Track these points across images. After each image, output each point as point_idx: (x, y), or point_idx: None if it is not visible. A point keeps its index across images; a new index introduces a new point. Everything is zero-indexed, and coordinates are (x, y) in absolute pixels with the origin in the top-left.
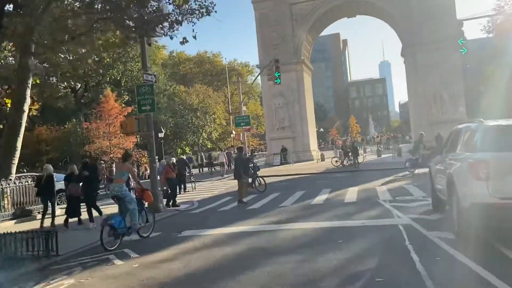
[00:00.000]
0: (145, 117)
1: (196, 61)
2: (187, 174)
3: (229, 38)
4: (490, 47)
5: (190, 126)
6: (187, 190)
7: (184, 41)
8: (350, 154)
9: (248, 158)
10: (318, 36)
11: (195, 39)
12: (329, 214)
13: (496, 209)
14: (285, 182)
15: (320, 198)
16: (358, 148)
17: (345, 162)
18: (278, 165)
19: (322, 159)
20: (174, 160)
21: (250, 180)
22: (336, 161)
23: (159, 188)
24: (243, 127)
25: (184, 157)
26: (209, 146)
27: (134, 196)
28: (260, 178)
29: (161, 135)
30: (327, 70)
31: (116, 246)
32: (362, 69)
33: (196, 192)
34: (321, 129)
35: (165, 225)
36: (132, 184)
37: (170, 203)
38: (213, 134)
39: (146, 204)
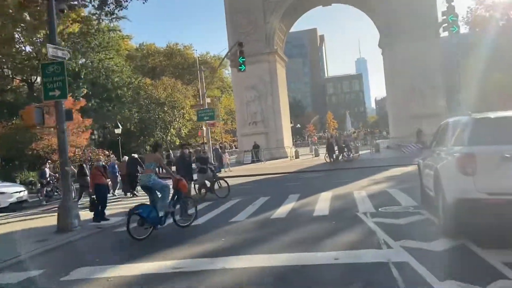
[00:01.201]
0: (57, 105)
1: (166, 54)
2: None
3: (202, 30)
4: (469, 40)
5: (157, 122)
6: (137, 194)
7: (110, 12)
8: (345, 149)
9: (204, 157)
10: (292, 25)
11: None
12: (290, 238)
13: (483, 205)
14: (250, 185)
15: (284, 209)
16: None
17: (340, 158)
18: (249, 163)
19: (297, 156)
20: (127, 158)
21: (208, 183)
22: (327, 157)
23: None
24: (207, 121)
25: (136, 156)
26: (177, 143)
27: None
28: (222, 181)
29: (118, 131)
30: (304, 66)
31: (145, 236)
32: (339, 66)
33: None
34: (298, 125)
35: (62, 254)
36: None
37: (100, 216)
38: (182, 131)
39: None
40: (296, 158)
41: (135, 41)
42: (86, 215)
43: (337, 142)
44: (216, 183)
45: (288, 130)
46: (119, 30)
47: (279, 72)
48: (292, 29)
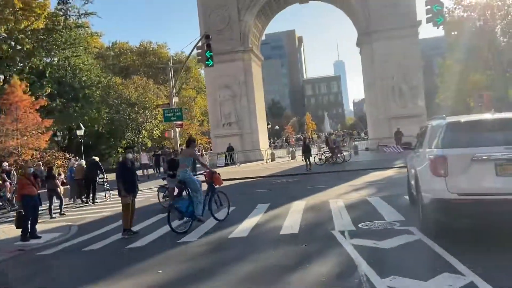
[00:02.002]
0: None
1: (140, 52)
2: (100, 180)
3: (178, 28)
4: (447, 41)
5: (128, 123)
6: (96, 201)
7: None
8: (336, 150)
9: (176, 161)
10: (268, 23)
11: None
12: (246, 269)
13: (454, 205)
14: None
15: (248, 224)
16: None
17: (331, 160)
18: (223, 166)
19: (273, 158)
20: (97, 159)
21: (176, 191)
22: (320, 159)
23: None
24: (174, 121)
25: (97, 159)
26: (149, 145)
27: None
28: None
29: (80, 132)
30: (283, 67)
31: (186, 230)
32: (318, 67)
33: (107, 203)
34: (276, 126)
35: None
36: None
37: (30, 233)
38: (154, 132)
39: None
40: (272, 161)
41: (109, 39)
42: (14, 232)
43: (328, 143)
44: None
45: (264, 132)
46: (87, 27)
47: (255, 71)
48: (271, 30)
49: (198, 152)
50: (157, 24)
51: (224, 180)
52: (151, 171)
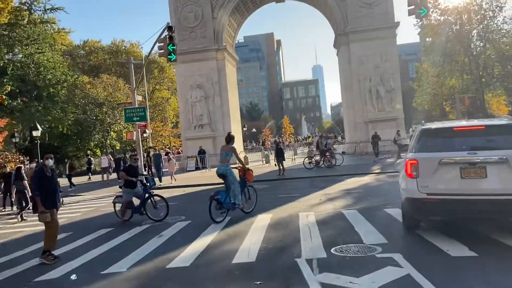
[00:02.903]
0: None
1: (111, 51)
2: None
3: (151, 27)
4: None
5: (96, 124)
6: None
7: None
8: (327, 153)
9: (133, 167)
10: (244, 22)
11: None
12: None
13: (422, 203)
14: (180, 200)
15: (197, 246)
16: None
17: (321, 164)
18: (193, 170)
19: (246, 162)
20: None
21: (137, 202)
22: (310, 163)
23: None
24: (137, 122)
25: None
26: (117, 148)
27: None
28: (157, 197)
29: (36, 133)
30: (261, 70)
31: (222, 219)
32: (296, 72)
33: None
34: (254, 129)
35: None
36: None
37: None
38: (124, 134)
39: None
40: (246, 165)
41: (80, 37)
42: None
43: (318, 146)
44: (150, 200)
45: (238, 134)
46: (54, 23)
47: (229, 71)
48: (249, 33)
49: (165, 156)
50: (129, 22)
51: (192, 185)
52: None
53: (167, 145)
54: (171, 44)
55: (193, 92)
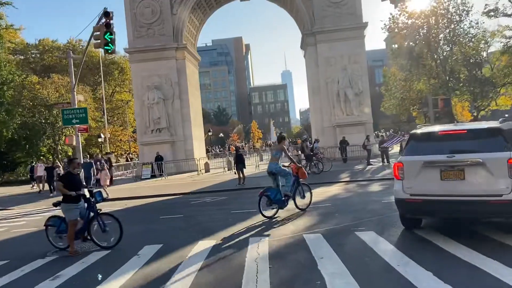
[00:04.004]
0: None
1: (67, 51)
2: None
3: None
4: (392, 48)
5: (46, 128)
6: None
7: None
8: (314, 158)
9: (74, 177)
10: (206, 20)
11: None
12: None
13: (406, 203)
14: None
15: None
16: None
17: (307, 170)
18: (148, 178)
19: (207, 169)
20: None
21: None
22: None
23: None
24: (77, 125)
25: None
26: (70, 153)
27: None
28: (105, 215)
29: None
30: (230, 74)
31: (272, 215)
32: (266, 77)
33: None
34: (221, 134)
35: None
36: None
37: None
38: None
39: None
40: (206, 172)
41: (36, 36)
42: None
43: (303, 150)
44: (97, 221)
45: (200, 139)
46: (1, 18)
47: (190, 72)
48: (217, 37)
49: (100, 163)
50: (87, 20)
51: (139, 197)
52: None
53: (127, 150)
54: (108, 33)
55: (150, 94)
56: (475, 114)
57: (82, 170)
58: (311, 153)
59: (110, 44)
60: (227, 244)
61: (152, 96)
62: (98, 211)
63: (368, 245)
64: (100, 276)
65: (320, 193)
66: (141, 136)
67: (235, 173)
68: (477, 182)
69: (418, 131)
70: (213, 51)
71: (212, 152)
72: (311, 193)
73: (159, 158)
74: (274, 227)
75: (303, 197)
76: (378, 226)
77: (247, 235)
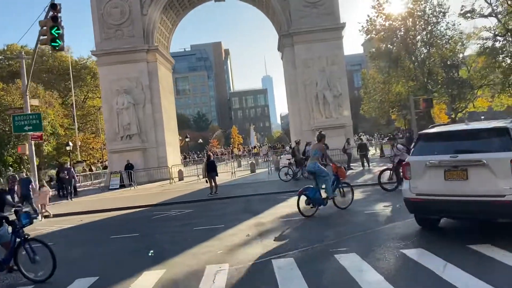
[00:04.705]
0: None
1: (37, 56)
2: None
3: (83, 27)
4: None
5: (10, 136)
6: None
7: None
8: (305, 163)
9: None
10: (179, 21)
11: None
12: None
13: (412, 203)
14: (62, 236)
15: None
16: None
17: (299, 175)
18: (117, 188)
19: (181, 177)
20: None
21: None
22: (286, 174)
23: None
24: (30, 132)
25: None
26: (37, 163)
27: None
28: (35, 243)
29: None
30: (209, 79)
31: (311, 214)
32: (246, 83)
33: None
34: (200, 140)
35: None
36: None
37: None
38: (44, 147)
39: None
40: (180, 180)
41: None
42: None
43: (294, 154)
44: (24, 247)
45: (175, 146)
46: None
47: (163, 75)
48: (196, 42)
49: (66, 173)
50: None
51: (93, 212)
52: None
53: (100, 158)
54: (55, 28)
55: (120, 98)
56: (452, 116)
57: (17, 186)
58: (303, 157)
59: (57, 40)
60: (178, 275)
61: (121, 101)
62: (26, 236)
63: (350, 274)
64: None
65: (295, 203)
66: (110, 143)
67: (206, 181)
68: (480, 182)
69: (426, 131)
70: (192, 56)
71: (189, 158)
72: (352, 192)
73: (129, 167)
74: (238, 249)
75: (343, 195)
76: (362, 245)
77: (205, 258)
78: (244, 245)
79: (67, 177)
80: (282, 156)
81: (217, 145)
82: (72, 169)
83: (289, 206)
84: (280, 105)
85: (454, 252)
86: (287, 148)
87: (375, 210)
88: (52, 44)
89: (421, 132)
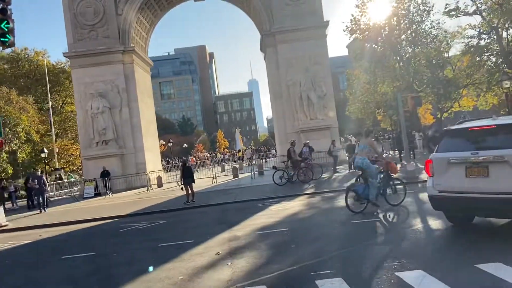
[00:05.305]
0: None
1: (12, 60)
2: None
3: (58, 29)
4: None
5: None
6: None
7: None
8: (303, 165)
9: None
10: (158, 21)
11: None
12: None
13: (436, 200)
14: (19, 251)
15: None
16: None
17: (294, 178)
18: (91, 197)
19: (160, 184)
20: None
21: None
22: (281, 177)
23: None
24: None
25: None
26: (10, 172)
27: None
28: None
29: None
30: (194, 83)
31: (361, 210)
32: (232, 86)
33: None
34: (185, 144)
35: None
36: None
37: None
38: (19, 155)
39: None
40: (159, 187)
41: None
42: None
43: (290, 156)
44: None
45: (154, 151)
46: None
47: (140, 77)
48: (180, 45)
49: (36, 181)
50: (31, 27)
51: (57, 225)
52: None
53: (80, 166)
54: (4, 22)
55: (95, 102)
56: (438, 115)
57: None
58: (299, 159)
59: (7, 35)
60: None
61: (96, 105)
62: None
63: None
64: None
65: (277, 212)
66: (85, 149)
67: (182, 189)
68: (502, 179)
69: (451, 127)
70: (176, 60)
71: (172, 164)
72: (405, 188)
73: (105, 174)
74: (204, 273)
75: (395, 192)
76: (348, 267)
77: (162, 286)
78: (211, 267)
79: (37, 186)
80: (268, 159)
81: (202, 149)
82: (44, 178)
83: (269, 215)
84: (267, 109)
85: (460, 272)
86: (273, 151)
87: (363, 220)
88: (1, 39)
89: (446, 128)
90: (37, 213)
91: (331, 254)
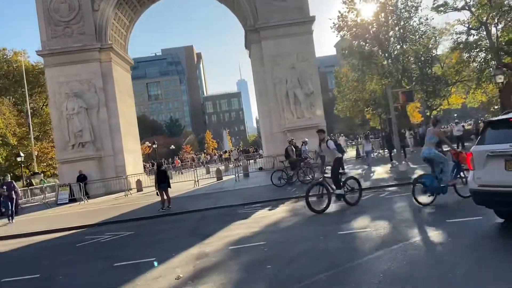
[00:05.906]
0: None
1: None
2: None
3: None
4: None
5: None
6: None
7: None
8: (303, 164)
9: None
10: (137, 18)
11: None
12: None
13: (476, 194)
14: None
15: None
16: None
17: (294, 179)
18: (66, 203)
19: (139, 188)
20: None
21: None
22: (280, 178)
23: None
24: None
25: None
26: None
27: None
28: None
29: None
30: (182, 84)
31: (429, 202)
32: (221, 87)
33: None
34: (172, 146)
35: None
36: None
37: None
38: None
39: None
40: (138, 191)
41: None
42: None
43: (288, 155)
44: None
45: (135, 153)
46: None
47: (119, 76)
48: (168, 45)
49: (5, 188)
50: (15, 27)
51: (16, 237)
52: None
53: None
54: None
55: (70, 103)
56: (427, 113)
57: None
58: (299, 158)
59: None
60: None
61: (71, 105)
62: None
63: None
64: None
65: (257, 220)
66: (60, 152)
67: (157, 194)
68: None
69: (492, 118)
70: (163, 61)
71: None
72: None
73: (81, 178)
74: None
75: (466, 183)
76: None
77: None
78: None
79: (6, 193)
80: (258, 160)
81: (190, 150)
82: (14, 183)
83: (248, 225)
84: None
85: None
86: (260, 151)
87: (352, 230)
88: None
89: (487, 119)
90: (7, 223)
91: (313, 278)
